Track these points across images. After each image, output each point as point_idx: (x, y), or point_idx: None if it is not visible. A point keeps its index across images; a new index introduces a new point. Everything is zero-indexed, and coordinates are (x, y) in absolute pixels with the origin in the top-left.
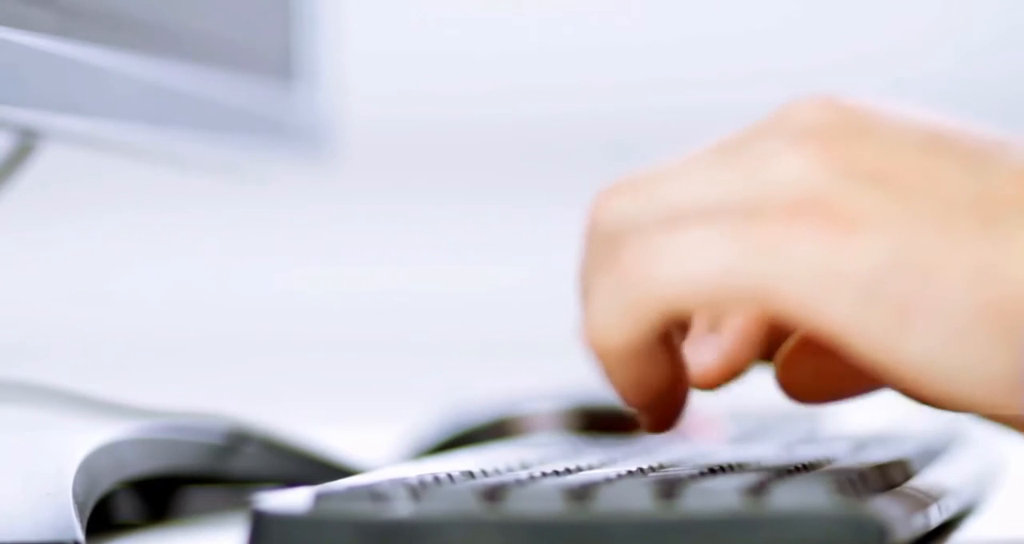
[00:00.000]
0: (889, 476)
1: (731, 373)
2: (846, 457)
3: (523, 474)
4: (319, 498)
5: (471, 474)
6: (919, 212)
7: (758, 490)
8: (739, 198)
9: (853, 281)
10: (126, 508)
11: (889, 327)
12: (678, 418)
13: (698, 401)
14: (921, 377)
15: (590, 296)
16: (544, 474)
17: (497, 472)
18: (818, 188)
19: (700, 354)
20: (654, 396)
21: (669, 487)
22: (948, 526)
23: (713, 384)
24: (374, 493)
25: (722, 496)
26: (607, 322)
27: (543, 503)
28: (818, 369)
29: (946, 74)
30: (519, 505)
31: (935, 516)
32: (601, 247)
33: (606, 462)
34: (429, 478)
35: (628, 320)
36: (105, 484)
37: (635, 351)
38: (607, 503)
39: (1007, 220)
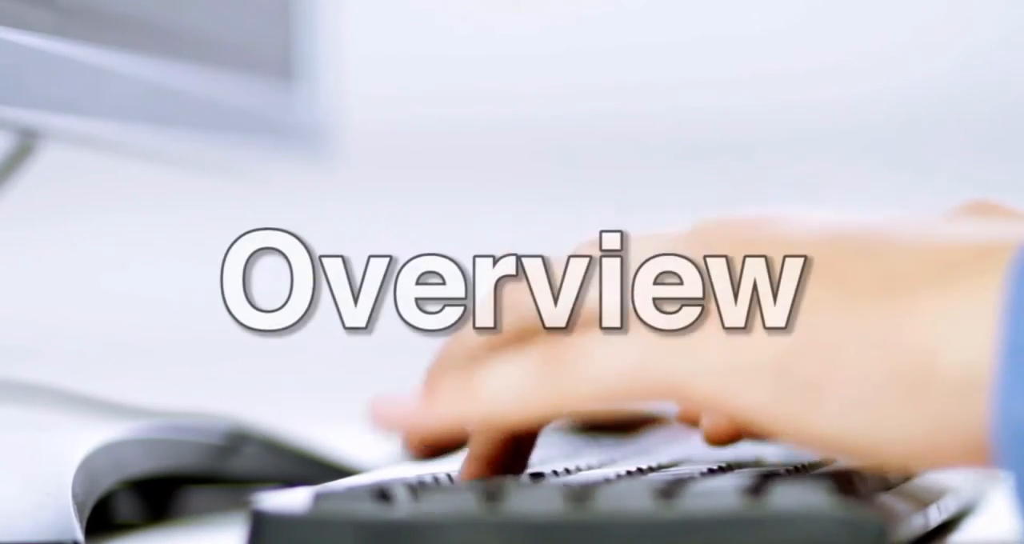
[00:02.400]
0: (889, 476)
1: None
2: None
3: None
4: (318, 498)
5: None
6: (817, 295)
7: (758, 490)
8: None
9: (763, 369)
10: (126, 508)
11: (801, 406)
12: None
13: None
14: (836, 448)
15: (498, 367)
16: (544, 474)
17: None
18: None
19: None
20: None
21: (669, 487)
22: (948, 526)
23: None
24: (374, 493)
25: (722, 496)
26: (519, 401)
27: (543, 503)
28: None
29: (947, 75)
30: (519, 505)
31: (935, 516)
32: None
33: (606, 462)
34: (429, 478)
35: (541, 405)
36: (105, 484)
37: (515, 431)
38: (607, 503)
39: (905, 293)
